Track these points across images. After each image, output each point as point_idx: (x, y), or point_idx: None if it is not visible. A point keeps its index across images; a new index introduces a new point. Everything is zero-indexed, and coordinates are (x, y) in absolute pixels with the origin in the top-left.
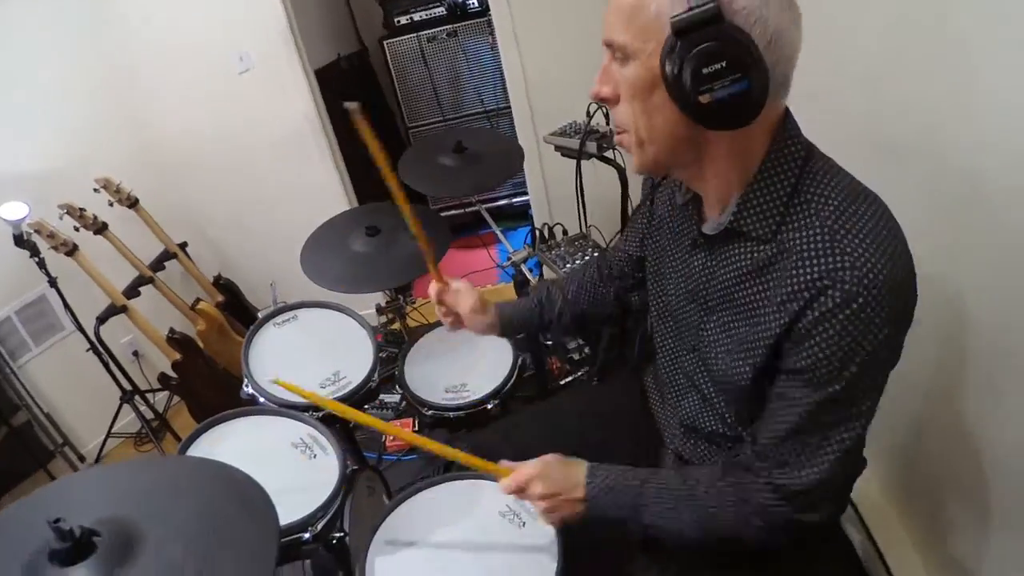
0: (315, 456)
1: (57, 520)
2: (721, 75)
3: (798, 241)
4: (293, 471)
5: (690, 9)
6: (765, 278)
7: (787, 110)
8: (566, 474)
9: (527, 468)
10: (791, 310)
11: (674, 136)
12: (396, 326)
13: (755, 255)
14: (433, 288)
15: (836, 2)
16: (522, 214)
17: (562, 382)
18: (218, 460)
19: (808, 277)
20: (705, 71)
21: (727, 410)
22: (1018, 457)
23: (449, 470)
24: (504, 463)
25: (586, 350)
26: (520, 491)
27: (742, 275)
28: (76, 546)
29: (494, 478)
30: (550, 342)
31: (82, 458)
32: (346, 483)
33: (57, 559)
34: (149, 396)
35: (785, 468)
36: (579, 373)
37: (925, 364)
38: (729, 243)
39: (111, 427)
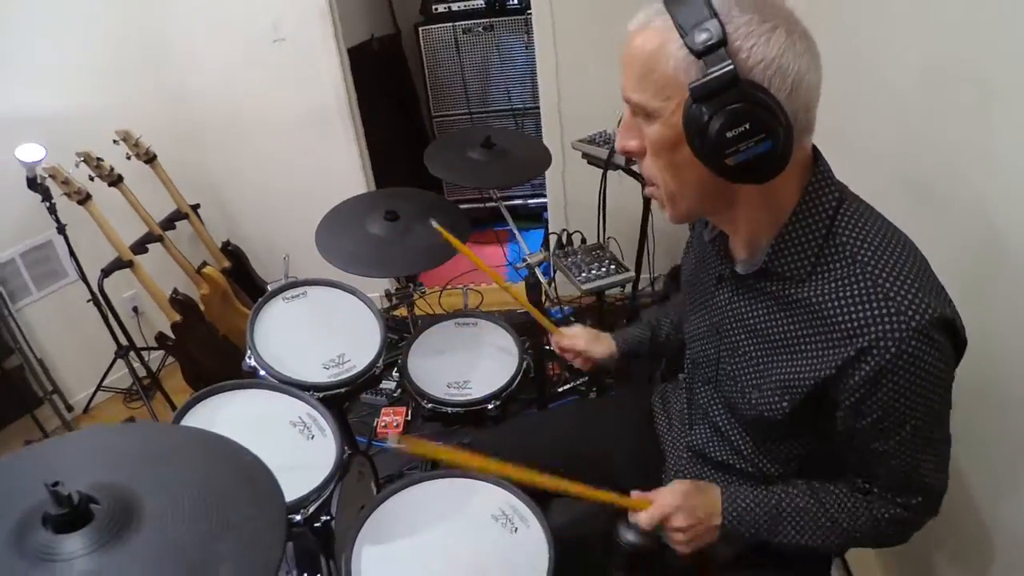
0: (312, 437)
1: (56, 483)
2: (745, 137)
3: (837, 285)
4: (289, 450)
5: (706, 75)
6: (803, 317)
7: (816, 150)
8: (704, 503)
9: (666, 500)
10: (840, 356)
11: (703, 190)
12: (401, 313)
13: (789, 294)
14: (554, 340)
15: (873, 48)
16: (536, 216)
17: (559, 389)
18: (218, 433)
19: (856, 323)
20: (729, 135)
21: (742, 442)
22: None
23: (437, 467)
24: (637, 494)
25: None
26: (661, 523)
27: (777, 309)
28: (73, 513)
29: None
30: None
31: (70, 408)
32: (342, 468)
33: (51, 524)
34: (144, 354)
35: (904, 492)
36: (577, 382)
37: None
38: (761, 282)
39: (102, 380)
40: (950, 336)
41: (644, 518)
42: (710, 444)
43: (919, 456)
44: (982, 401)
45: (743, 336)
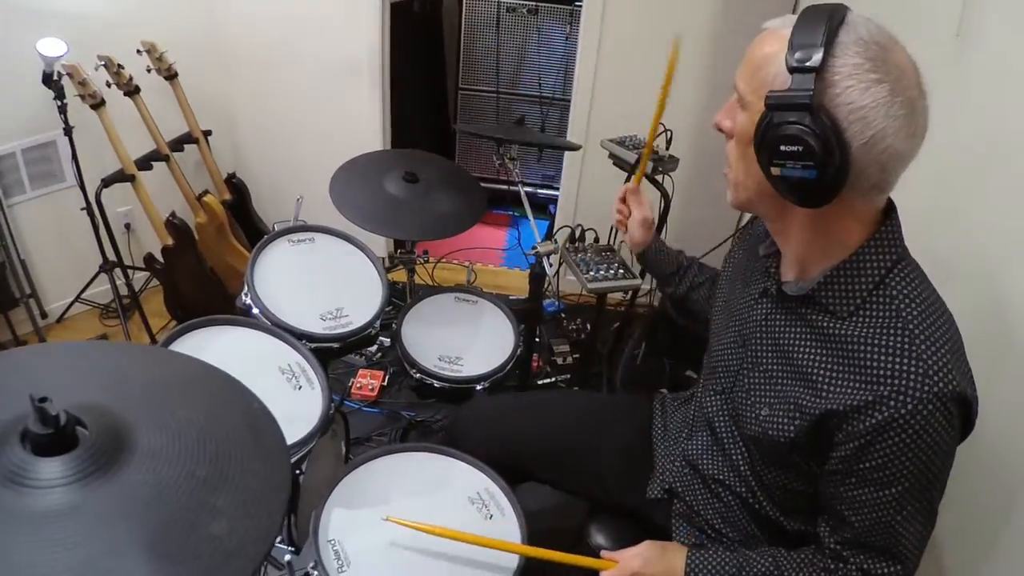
0: (300, 387)
1: (43, 399)
2: (795, 157)
3: (875, 331)
4: (275, 397)
5: (787, 91)
6: (832, 352)
7: (893, 211)
8: (665, 568)
9: (630, 564)
10: (860, 398)
11: (760, 188)
12: (395, 278)
13: (828, 327)
14: (629, 185)
15: None
16: (542, 207)
17: (540, 382)
18: (228, 373)
19: (881, 371)
20: (782, 148)
21: (741, 459)
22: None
23: (408, 434)
24: (605, 554)
25: (570, 358)
26: None
27: (810, 340)
28: (58, 434)
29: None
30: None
31: (44, 315)
32: (325, 425)
33: (30, 442)
34: (128, 273)
35: (875, 557)
36: (558, 378)
37: None
38: (804, 307)
39: (81, 292)
40: (963, 414)
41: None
42: (706, 456)
43: (900, 518)
44: (970, 475)
45: (769, 353)
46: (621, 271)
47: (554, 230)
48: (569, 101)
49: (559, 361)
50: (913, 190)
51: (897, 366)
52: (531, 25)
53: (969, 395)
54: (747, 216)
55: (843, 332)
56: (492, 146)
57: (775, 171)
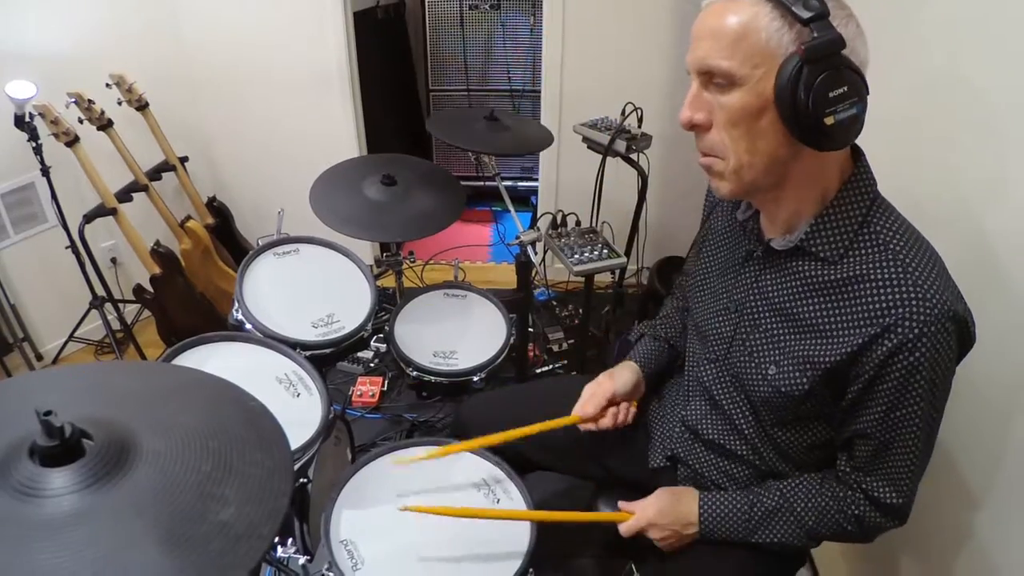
0: (298, 395)
1: (48, 412)
2: (844, 98)
3: (870, 268)
4: (275, 406)
5: (815, 38)
6: (835, 298)
7: (861, 154)
8: (679, 514)
9: (645, 514)
10: (867, 334)
11: (774, 159)
12: (384, 284)
13: (820, 274)
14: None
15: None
16: (523, 199)
17: (538, 371)
18: (220, 377)
19: (884, 304)
20: (832, 95)
21: (745, 423)
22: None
23: (411, 436)
24: (622, 505)
25: (565, 344)
26: (640, 534)
27: (806, 291)
28: (64, 445)
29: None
30: (532, 328)
31: (39, 357)
32: (327, 428)
33: (39, 456)
34: (119, 307)
35: (880, 483)
36: (555, 365)
37: None
38: (793, 260)
39: (74, 330)
40: (964, 332)
41: (624, 529)
42: (705, 421)
43: (903, 442)
44: (957, 410)
45: (766, 313)
46: (605, 251)
47: (537, 219)
48: (539, 92)
49: (555, 348)
50: (885, 138)
51: (897, 296)
52: (495, 20)
53: (961, 312)
54: None
55: (837, 276)
56: (467, 134)
57: (828, 120)
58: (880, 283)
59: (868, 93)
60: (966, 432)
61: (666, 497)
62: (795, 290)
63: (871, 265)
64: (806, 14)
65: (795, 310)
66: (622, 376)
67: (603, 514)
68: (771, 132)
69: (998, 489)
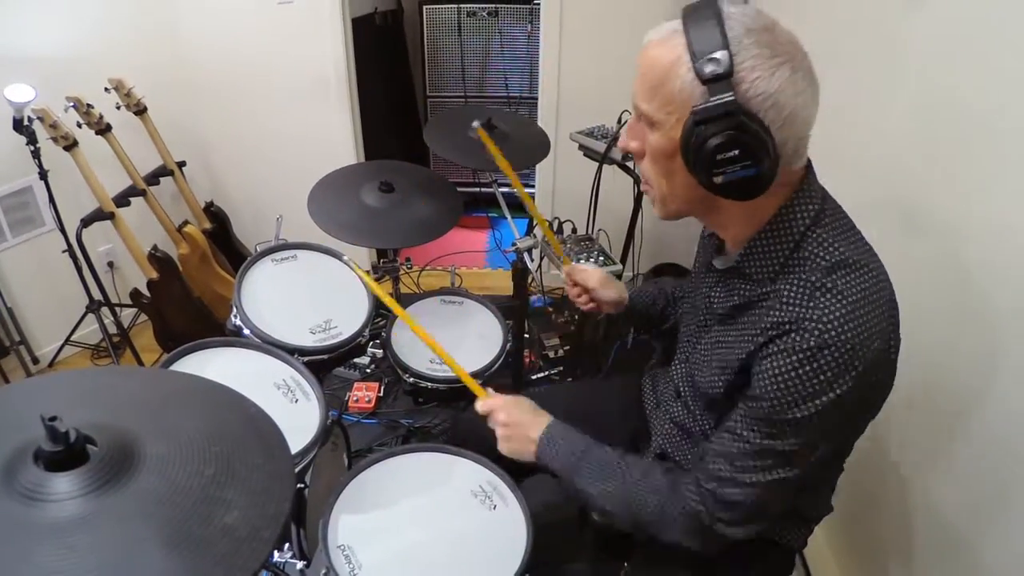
0: (296, 401)
1: (53, 418)
2: (734, 161)
3: (784, 290)
4: (273, 412)
5: (708, 102)
6: (752, 312)
7: (809, 169)
8: (531, 416)
9: (500, 400)
10: (757, 342)
11: (690, 196)
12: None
13: (751, 292)
14: (565, 271)
15: (873, 73)
16: (519, 205)
17: (534, 376)
18: (220, 383)
19: (779, 319)
20: (719, 157)
21: (704, 417)
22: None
23: (408, 441)
24: (489, 390)
25: (561, 350)
26: (489, 413)
27: (737, 306)
28: (69, 450)
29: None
30: (528, 335)
31: (36, 360)
32: (325, 434)
33: (43, 461)
34: (116, 311)
35: (716, 479)
36: (552, 371)
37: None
38: (732, 278)
39: (71, 334)
40: (862, 365)
41: (478, 404)
42: (684, 419)
43: (761, 462)
44: (946, 412)
45: (711, 319)
46: (601, 258)
47: (533, 225)
48: (536, 99)
49: (551, 355)
50: (881, 148)
51: (797, 314)
52: (492, 27)
53: (869, 347)
54: None
55: (762, 294)
56: (465, 150)
57: (717, 179)
58: (785, 301)
59: (774, 154)
60: (954, 433)
61: (525, 401)
62: (734, 304)
63: (786, 287)
64: (706, 73)
65: (728, 318)
66: (609, 285)
67: (476, 386)
68: (683, 173)
69: (986, 488)
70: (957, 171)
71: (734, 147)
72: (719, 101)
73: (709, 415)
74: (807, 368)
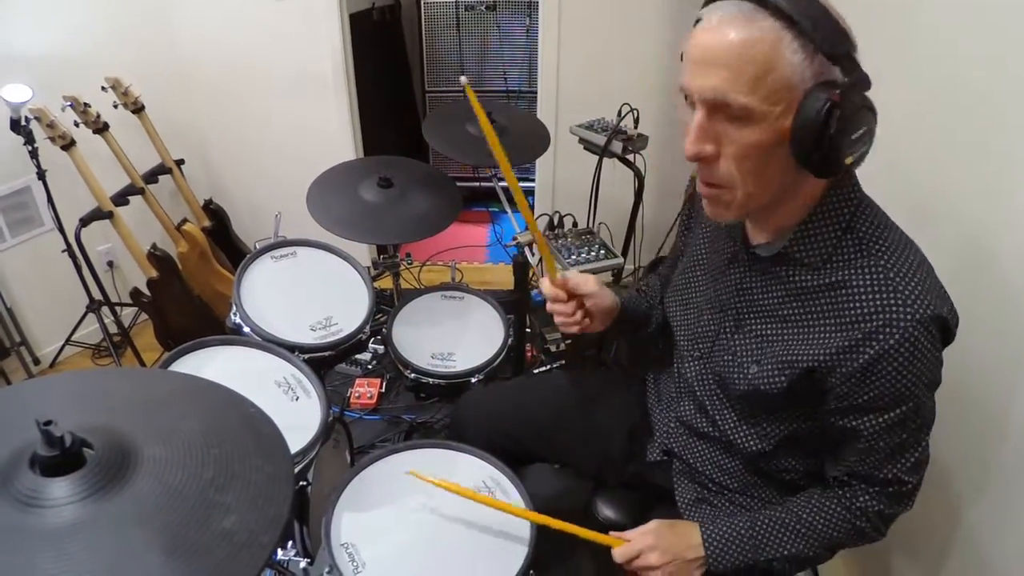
0: (297, 398)
1: (48, 422)
2: (864, 138)
3: (853, 275)
4: (274, 410)
5: (849, 80)
6: (818, 302)
7: None
8: (679, 539)
9: (641, 540)
10: (849, 338)
11: (781, 187)
12: (381, 286)
13: (803, 279)
14: (555, 281)
15: (886, 62)
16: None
17: (535, 371)
18: (218, 383)
19: (864, 310)
20: (854, 137)
21: (720, 417)
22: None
23: (410, 437)
24: (614, 533)
25: (562, 344)
26: (634, 560)
27: (789, 295)
28: (65, 455)
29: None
30: (529, 329)
31: (36, 361)
32: (326, 431)
33: (39, 466)
34: (116, 310)
35: (881, 482)
36: (553, 365)
37: None
38: (777, 266)
39: (71, 334)
40: (942, 335)
41: (618, 554)
42: (695, 418)
43: (900, 443)
44: (947, 406)
45: (750, 314)
46: (602, 252)
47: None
48: (535, 93)
49: (552, 349)
50: (888, 139)
51: (878, 302)
52: (490, 21)
53: (944, 314)
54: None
55: (819, 282)
56: (465, 146)
57: (848, 159)
58: (860, 289)
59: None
60: (958, 430)
61: (663, 524)
62: (778, 294)
63: (853, 271)
64: (836, 49)
65: (778, 310)
66: (604, 290)
67: (599, 536)
68: (780, 164)
69: (990, 485)
70: (973, 159)
71: (863, 123)
72: (857, 78)
73: (731, 413)
74: (913, 359)
